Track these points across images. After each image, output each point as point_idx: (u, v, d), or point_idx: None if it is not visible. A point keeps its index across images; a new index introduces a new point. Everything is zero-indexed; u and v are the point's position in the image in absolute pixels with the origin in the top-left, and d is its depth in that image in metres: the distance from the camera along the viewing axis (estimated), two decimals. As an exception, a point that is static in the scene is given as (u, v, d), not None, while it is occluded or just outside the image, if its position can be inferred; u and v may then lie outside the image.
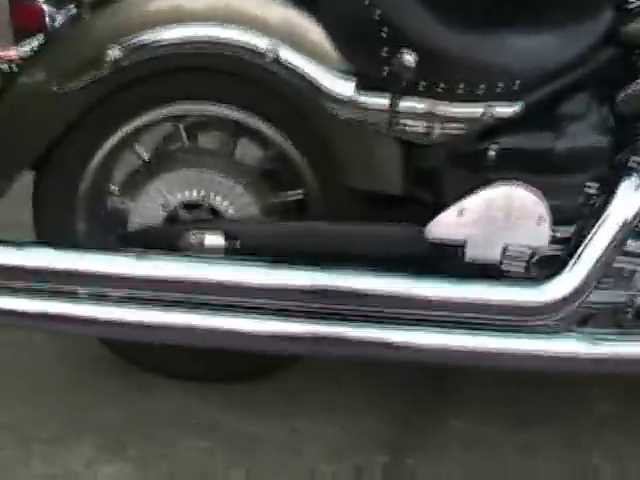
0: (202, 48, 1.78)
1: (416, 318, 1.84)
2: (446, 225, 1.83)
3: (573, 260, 1.82)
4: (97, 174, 1.96)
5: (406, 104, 1.75)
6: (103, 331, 1.96)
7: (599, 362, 1.87)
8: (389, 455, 1.98)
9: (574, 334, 1.87)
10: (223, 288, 1.84)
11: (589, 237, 1.81)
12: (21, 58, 1.86)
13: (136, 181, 1.98)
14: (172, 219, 1.95)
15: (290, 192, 1.97)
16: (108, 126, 1.92)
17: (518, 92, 1.75)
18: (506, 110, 1.76)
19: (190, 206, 1.95)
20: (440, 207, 1.83)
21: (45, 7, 1.80)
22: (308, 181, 1.93)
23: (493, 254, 1.84)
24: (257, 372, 2.11)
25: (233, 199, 1.93)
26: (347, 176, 1.86)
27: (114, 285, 1.87)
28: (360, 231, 1.91)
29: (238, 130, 1.95)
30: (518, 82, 1.75)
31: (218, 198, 1.93)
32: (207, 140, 2.00)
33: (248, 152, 2.00)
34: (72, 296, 1.87)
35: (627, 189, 1.81)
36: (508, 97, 1.75)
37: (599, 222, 1.81)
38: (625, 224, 1.81)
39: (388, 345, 1.85)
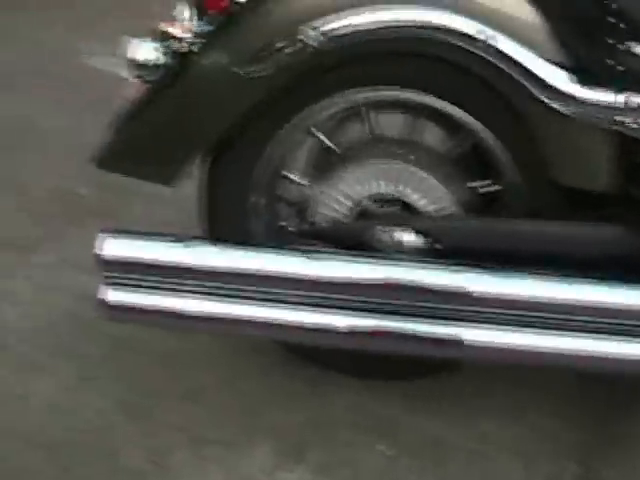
0: (406, 33, 1.63)
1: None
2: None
3: None
4: (275, 161, 1.82)
5: (637, 100, 1.60)
6: (277, 334, 1.83)
7: None
8: (581, 464, 1.85)
9: None
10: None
11: None
12: (197, 36, 1.71)
13: (320, 170, 1.83)
14: (360, 214, 1.81)
15: (486, 184, 1.81)
16: (290, 111, 1.77)
17: None
18: None
19: (380, 200, 1.81)
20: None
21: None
22: (509, 175, 1.77)
23: None
24: (426, 370, 1.98)
25: (426, 192, 1.77)
26: (555, 173, 1.70)
27: (284, 286, 1.72)
28: (569, 231, 1.75)
29: (430, 119, 1.80)
30: None
31: (410, 191, 1.78)
32: (396, 129, 1.84)
33: (439, 142, 1.84)
34: (242, 297, 1.73)
35: None
36: None
37: None
38: None
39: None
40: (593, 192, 1.71)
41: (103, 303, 1.75)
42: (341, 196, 1.80)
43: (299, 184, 1.87)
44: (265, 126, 1.78)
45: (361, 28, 1.63)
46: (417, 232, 1.74)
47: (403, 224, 1.76)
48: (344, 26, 1.62)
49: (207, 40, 1.71)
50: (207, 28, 1.73)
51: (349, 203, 1.80)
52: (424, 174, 1.77)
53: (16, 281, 2.33)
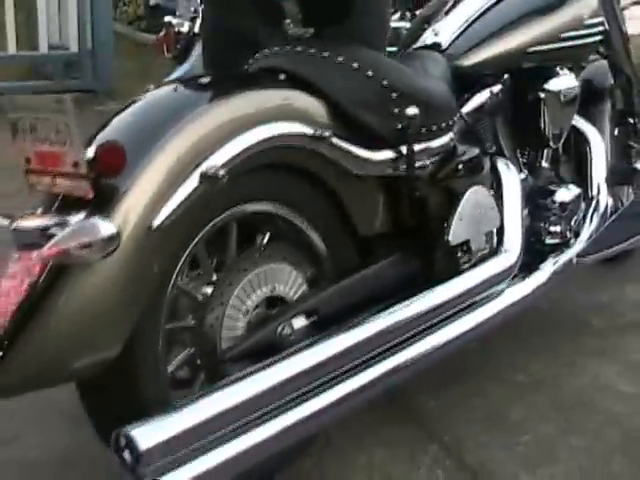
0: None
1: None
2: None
3: None
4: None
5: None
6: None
7: None
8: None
9: None
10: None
11: None
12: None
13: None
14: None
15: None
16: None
17: None
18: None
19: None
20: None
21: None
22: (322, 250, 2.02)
23: None
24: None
25: (292, 284, 1.95)
26: (355, 228, 2.04)
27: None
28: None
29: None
30: None
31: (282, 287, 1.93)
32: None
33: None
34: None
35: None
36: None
37: None
38: None
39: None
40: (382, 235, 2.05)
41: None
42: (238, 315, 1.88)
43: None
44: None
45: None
46: (304, 314, 1.91)
47: (291, 314, 1.90)
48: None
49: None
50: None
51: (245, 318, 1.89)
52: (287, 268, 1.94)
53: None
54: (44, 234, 1.63)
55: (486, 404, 2.35)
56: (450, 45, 2.34)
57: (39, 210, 1.73)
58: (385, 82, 1.99)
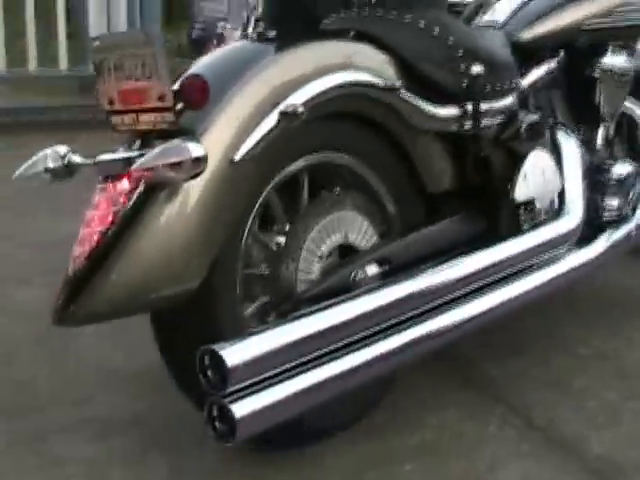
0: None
1: None
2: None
3: None
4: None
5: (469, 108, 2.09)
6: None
7: None
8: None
9: None
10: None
11: None
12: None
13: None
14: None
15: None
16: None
17: None
18: None
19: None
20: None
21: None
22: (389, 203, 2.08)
23: None
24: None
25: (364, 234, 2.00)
26: (422, 184, 2.08)
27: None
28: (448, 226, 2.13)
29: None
30: None
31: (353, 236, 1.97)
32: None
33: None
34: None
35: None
36: None
37: None
38: None
39: None
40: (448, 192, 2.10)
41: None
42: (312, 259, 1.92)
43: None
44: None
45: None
46: (376, 262, 1.96)
47: (364, 261, 1.95)
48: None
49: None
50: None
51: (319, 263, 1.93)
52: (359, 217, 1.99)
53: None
54: (127, 165, 1.68)
55: (550, 373, 2.35)
56: (508, 21, 2.39)
57: (120, 148, 1.78)
58: (450, 40, 2.06)
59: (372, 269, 1.96)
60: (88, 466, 1.93)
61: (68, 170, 1.80)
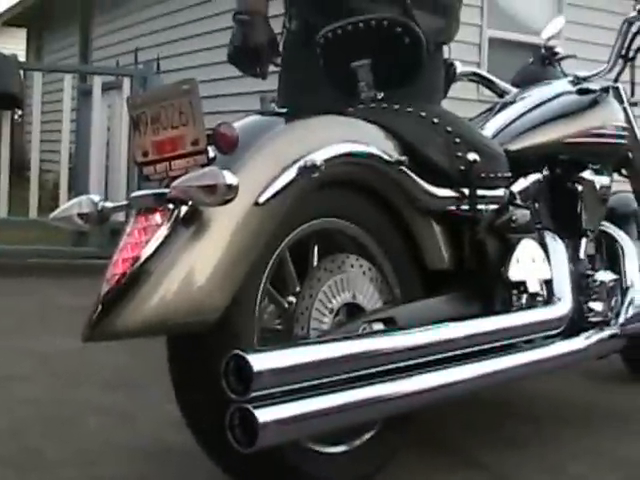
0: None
1: None
2: None
3: None
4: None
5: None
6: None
7: None
8: None
9: None
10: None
11: None
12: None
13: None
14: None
15: None
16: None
17: None
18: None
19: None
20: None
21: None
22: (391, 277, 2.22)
23: None
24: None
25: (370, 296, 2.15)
26: (423, 260, 2.24)
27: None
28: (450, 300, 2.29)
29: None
30: None
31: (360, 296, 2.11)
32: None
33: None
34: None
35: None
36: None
37: None
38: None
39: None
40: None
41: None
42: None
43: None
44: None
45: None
46: (383, 321, 2.10)
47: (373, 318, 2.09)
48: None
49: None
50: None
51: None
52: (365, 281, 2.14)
53: None
54: (159, 200, 1.83)
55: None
56: (499, 133, 2.63)
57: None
58: (449, 128, 2.28)
59: (378, 326, 2.07)
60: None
61: (101, 215, 1.94)
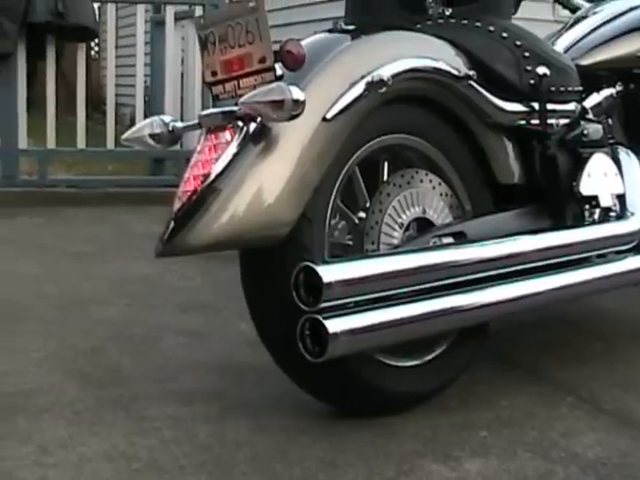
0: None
1: None
2: None
3: None
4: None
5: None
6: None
7: None
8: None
9: None
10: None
11: None
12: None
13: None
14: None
15: None
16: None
17: None
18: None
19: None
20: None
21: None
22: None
23: None
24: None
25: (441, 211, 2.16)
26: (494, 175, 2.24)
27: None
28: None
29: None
30: None
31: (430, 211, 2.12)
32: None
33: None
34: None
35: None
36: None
37: None
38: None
39: None
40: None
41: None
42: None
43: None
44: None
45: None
46: (453, 235, 2.12)
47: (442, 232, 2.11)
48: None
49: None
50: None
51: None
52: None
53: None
54: (228, 118, 1.85)
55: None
56: (570, 47, 2.58)
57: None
58: (518, 42, 2.25)
59: (449, 240, 2.09)
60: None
61: (172, 135, 1.98)
